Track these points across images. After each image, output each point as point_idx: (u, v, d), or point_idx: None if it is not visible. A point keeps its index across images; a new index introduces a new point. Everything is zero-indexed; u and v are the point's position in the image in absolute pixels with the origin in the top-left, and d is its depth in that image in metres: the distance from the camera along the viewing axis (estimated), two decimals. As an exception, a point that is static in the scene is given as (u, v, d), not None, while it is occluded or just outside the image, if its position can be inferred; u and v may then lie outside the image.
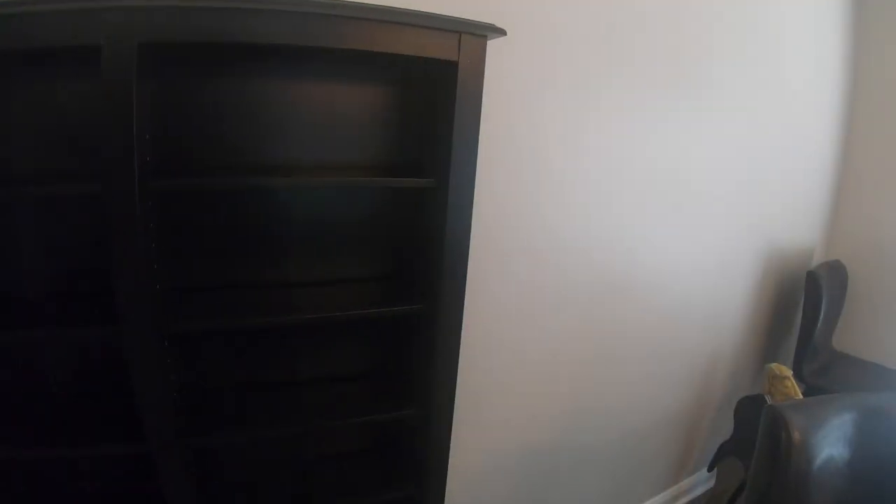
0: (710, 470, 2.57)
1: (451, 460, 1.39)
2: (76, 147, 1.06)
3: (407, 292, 1.32)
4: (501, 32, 1.08)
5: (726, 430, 2.51)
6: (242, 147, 1.20)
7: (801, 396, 2.24)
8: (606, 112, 1.71)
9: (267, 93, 1.20)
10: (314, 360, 1.42)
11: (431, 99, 1.24)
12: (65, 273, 1.16)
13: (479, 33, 1.07)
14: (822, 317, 2.47)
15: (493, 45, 1.13)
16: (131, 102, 0.87)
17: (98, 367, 1.20)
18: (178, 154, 1.16)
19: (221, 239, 1.26)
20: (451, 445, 1.38)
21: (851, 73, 2.68)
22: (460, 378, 1.32)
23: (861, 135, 2.77)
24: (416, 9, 1.01)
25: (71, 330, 1.05)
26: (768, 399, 2.27)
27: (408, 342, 1.41)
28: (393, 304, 1.27)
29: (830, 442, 1.29)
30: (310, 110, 1.23)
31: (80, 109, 1.04)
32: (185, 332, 1.14)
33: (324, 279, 1.34)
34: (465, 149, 1.13)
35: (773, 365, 2.27)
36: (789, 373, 2.24)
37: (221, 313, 1.17)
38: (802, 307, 2.54)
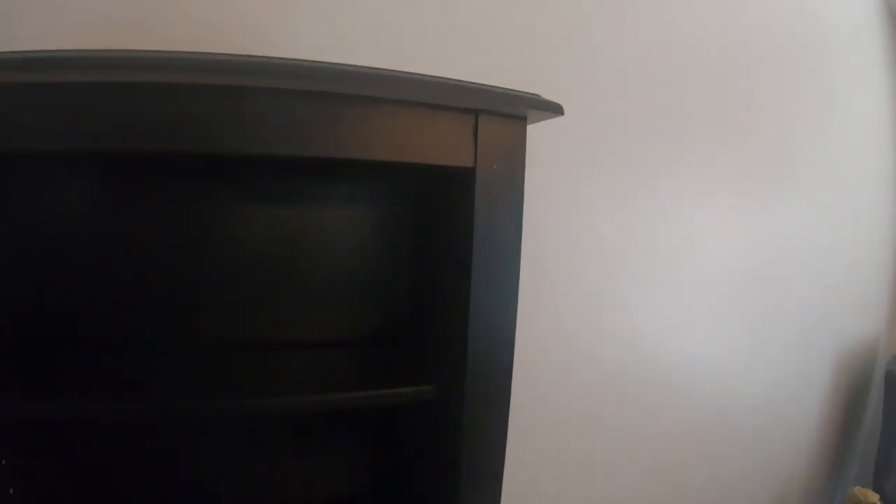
0: None
1: None
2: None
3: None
4: (556, 111, 0.55)
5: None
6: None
7: (890, 525, 1.93)
8: (665, 201, 1.53)
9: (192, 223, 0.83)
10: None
11: (432, 239, 0.78)
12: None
13: (514, 113, 0.53)
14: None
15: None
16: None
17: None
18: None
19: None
20: None
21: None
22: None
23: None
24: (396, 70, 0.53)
25: None
26: (853, 531, 1.96)
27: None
28: None
29: None
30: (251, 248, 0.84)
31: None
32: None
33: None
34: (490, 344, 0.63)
35: (857, 489, 1.97)
36: (876, 497, 1.95)
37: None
38: (883, 412, 2.18)
